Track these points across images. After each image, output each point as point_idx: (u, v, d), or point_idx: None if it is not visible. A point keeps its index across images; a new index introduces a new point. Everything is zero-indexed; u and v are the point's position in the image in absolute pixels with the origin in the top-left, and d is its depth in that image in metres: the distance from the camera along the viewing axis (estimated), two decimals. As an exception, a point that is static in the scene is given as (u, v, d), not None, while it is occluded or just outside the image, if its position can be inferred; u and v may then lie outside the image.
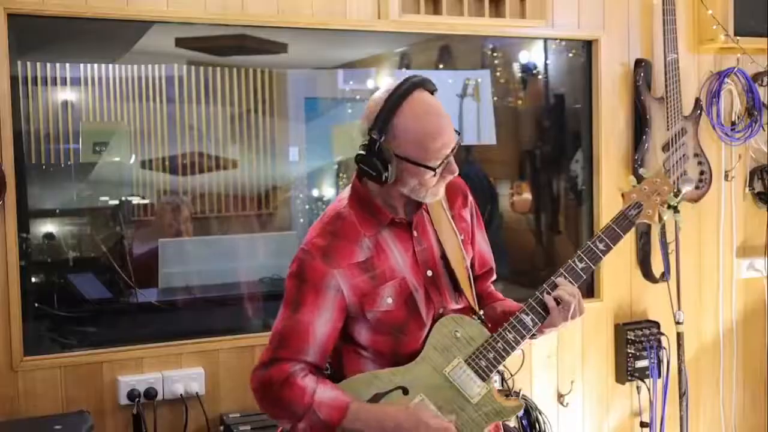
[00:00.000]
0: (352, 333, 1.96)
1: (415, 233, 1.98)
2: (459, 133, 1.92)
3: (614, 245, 2.02)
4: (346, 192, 2.01)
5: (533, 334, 1.99)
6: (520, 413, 3.12)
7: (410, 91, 1.87)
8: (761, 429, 3.85)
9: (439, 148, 1.85)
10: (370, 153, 1.86)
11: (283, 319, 1.91)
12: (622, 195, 2.07)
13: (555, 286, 1.97)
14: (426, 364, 1.94)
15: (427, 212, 2.01)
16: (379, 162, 1.85)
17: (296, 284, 1.91)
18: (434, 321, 1.97)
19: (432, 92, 1.93)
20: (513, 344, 1.95)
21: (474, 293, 2.05)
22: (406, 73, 3.67)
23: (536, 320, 1.96)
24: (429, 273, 1.98)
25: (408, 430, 1.85)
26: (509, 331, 1.95)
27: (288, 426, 1.91)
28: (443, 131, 1.86)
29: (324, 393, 1.86)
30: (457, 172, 1.92)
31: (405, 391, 1.92)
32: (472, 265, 2.10)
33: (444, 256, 1.99)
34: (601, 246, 2.01)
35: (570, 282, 1.98)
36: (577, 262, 2.00)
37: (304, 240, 1.97)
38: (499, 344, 1.94)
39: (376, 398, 1.91)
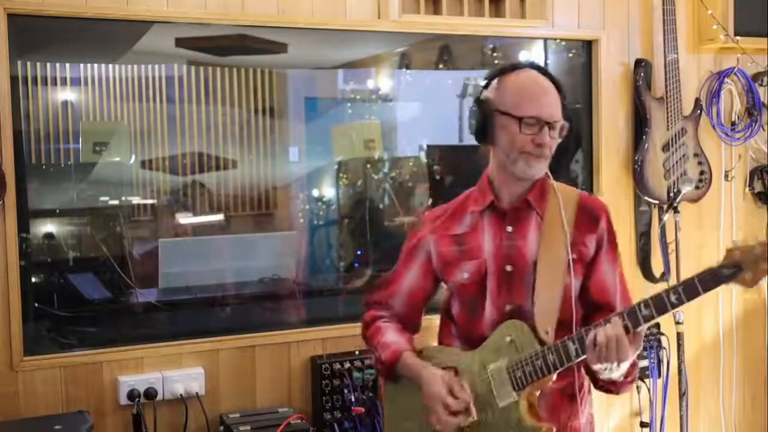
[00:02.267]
0: (450, 306, 2.18)
1: (509, 228, 2.06)
2: (570, 122, 2.03)
3: (688, 300, 1.83)
4: None
5: (595, 375, 1.97)
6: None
7: (528, 67, 2.05)
8: (761, 429, 3.85)
9: (533, 109, 1.96)
10: (476, 102, 2.06)
11: (391, 270, 2.26)
12: (726, 250, 1.82)
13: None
14: (479, 356, 2.04)
15: (539, 215, 2.06)
16: (479, 111, 2.03)
17: (406, 243, 2.24)
18: (500, 313, 2.05)
19: (558, 89, 2.04)
20: (551, 366, 1.93)
21: (559, 311, 2.00)
22: (406, 73, 3.68)
23: (579, 351, 1.89)
24: (508, 268, 2.05)
25: (424, 391, 2.03)
26: (552, 353, 1.93)
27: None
28: (543, 101, 1.98)
29: (390, 337, 2.15)
30: (545, 143, 1.98)
31: (456, 372, 2.04)
32: (588, 292, 2.07)
33: (536, 263, 2.02)
34: (673, 298, 1.82)
35: (626, 325, 1.84)
36: (642, 308, 1.85)
37: None
38: (539, 362, 1.94)
39: None
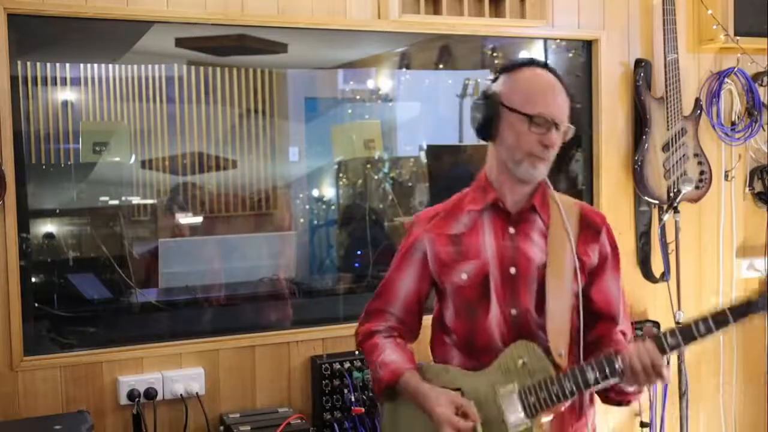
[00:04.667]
0: (443, 315, 2.11)
1: (511, 230, 2.03)
2: (574, 128, 1.98)
3: (717, 330, 1.85)
4: None
5: (607, 390, 1.95)
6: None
7: (541, 66, 2.02)
8: (761, 428, 3.85)
9: (544, 108, 1.92)
10: (482, 96, 2.01)
11: (385, 277, 2.19)
12: (758, 283, 1.85)
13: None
14: (487, 378, 1.97)
15: (543, 220, 2.03)
16: (485, 105, 1.98)
17: (400, 248, 2.16)
18: (505, 318, 1.99)
19: (567, 91, 2.00)
20: (567, 393, 1.89)
21: (570, 321, 1.99)
22: (406, 73, 3.69)
23: (599, 378, 1.88)
24: (512, 270, 2.00)
25: (430, 411, 1.95)
26: (569, 380, 1.89)
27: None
28: (554, 100, 1.95)
29: (389, 356, 2.06)
30: (552, 145, 1.95)
31: (462, 394, 1.97)
32: (591, 301, 2.05)
33: (543, 267, 1.98)
34: (702, 327, 1.86)
35: (663, 347, 1.87)
36: (668, 337, 1.87)
37: None
38: (554, 388, 1.89)
39: None
